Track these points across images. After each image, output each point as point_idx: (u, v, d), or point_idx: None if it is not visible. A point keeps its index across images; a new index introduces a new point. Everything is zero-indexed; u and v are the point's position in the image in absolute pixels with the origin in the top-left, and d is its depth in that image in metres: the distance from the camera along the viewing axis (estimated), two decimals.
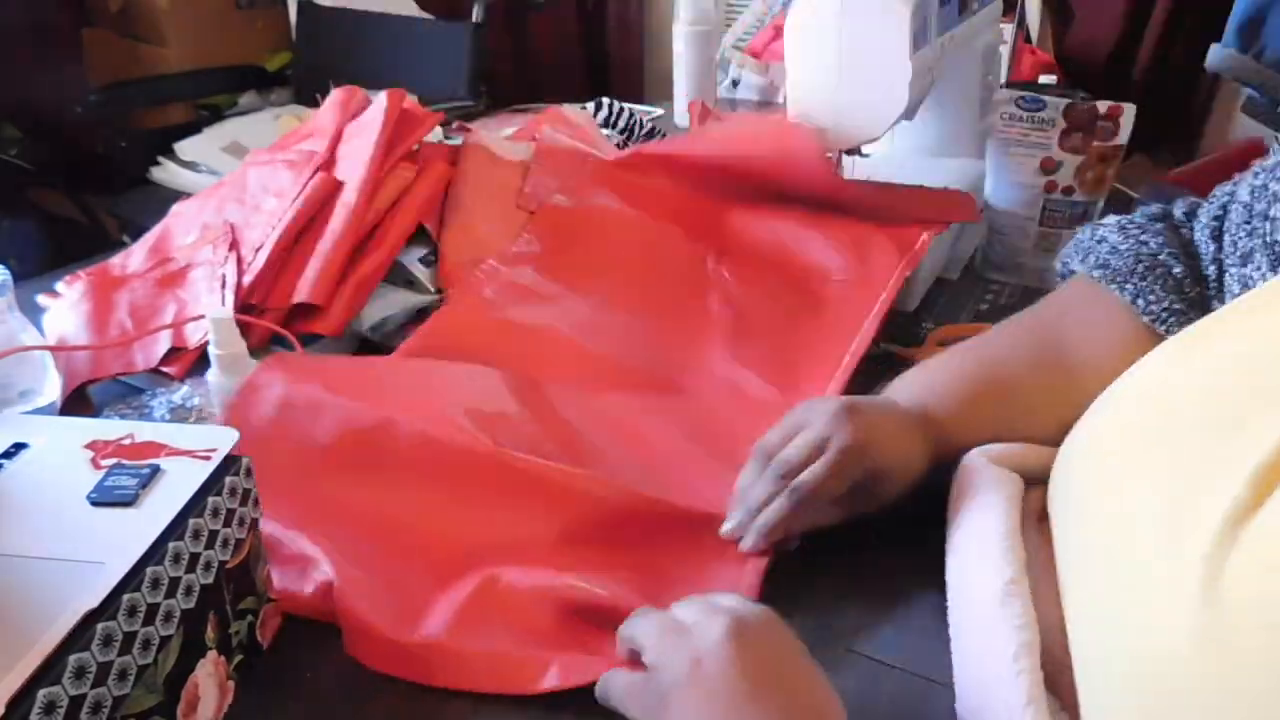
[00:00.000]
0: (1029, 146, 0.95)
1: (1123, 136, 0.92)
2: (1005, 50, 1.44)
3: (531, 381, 0.75)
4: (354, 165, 0.92)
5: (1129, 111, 0.91)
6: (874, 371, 0.77)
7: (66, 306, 0.89)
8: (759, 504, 0.60)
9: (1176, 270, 0.64)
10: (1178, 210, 0.70)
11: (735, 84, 1.76)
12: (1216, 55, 1.09)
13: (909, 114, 0.93)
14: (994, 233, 1.02)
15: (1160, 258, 0.65)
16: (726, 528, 0.61)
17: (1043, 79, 1.40)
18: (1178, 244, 0.66)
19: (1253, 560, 0.33)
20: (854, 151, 1.03)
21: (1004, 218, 1.00)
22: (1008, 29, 1.44)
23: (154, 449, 0.52)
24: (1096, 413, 0.51)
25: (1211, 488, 0.36)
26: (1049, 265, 0.99)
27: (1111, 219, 0.71)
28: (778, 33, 1.76)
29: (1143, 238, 0.67)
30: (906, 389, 0.66)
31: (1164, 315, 0.63)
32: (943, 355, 0.70)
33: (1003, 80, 1.42)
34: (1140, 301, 0.64)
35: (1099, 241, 0.69)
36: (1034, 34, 1.92)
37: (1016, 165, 0.96)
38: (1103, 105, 0.91)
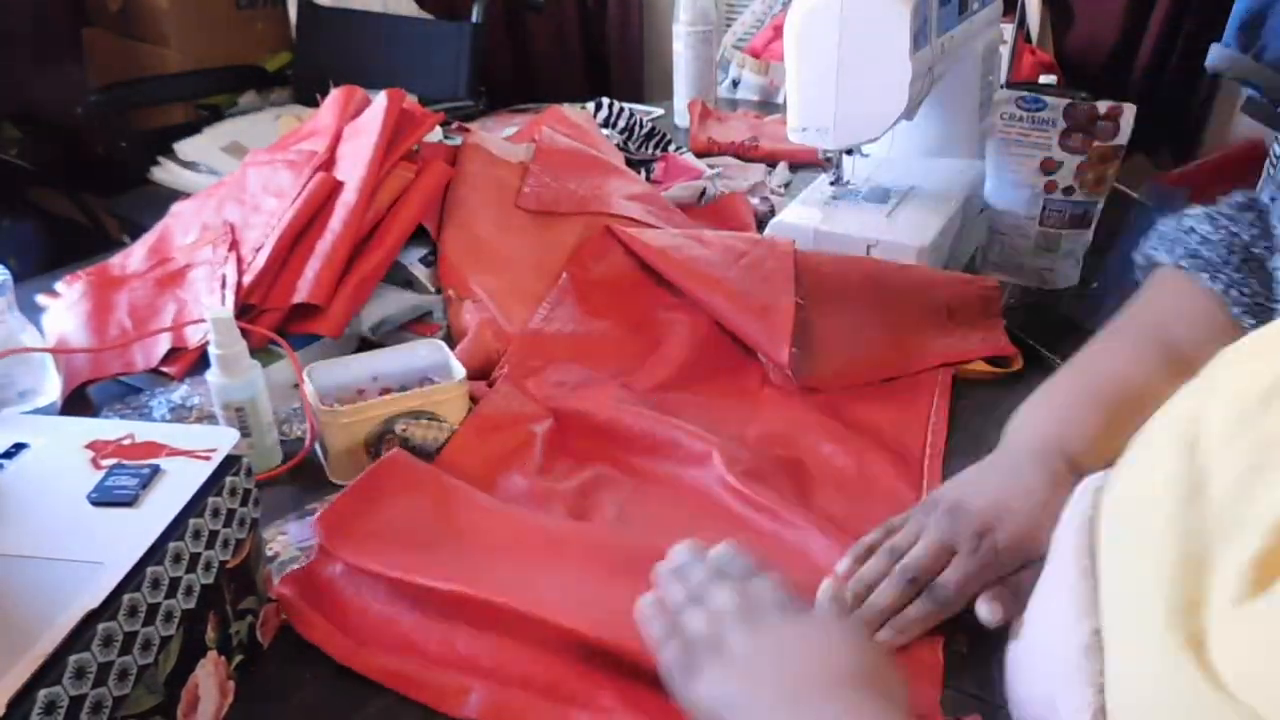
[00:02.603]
0: (1029, 146, 0.94)
1: (1123, 136, 0.92)
2: (1005, 50, 1.44)
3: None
4: (354, 165, 0.92)
5: (1129, 111, 0.91)
6: None
7: (66, 306, 0.89)
8: (888, 604, 0.58)
9: (1271, 264, 0.62)
10: (1264, 195, 0.67)
11: (735, 84, 1.76)
12: (1216, 55, 1.09)
13: (909, 114, 0.93)
14: (994, 233, 1.02)
15: (1254, 250, 0.63)
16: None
17: (1043, 79, 1.40)
18: (1267, 234, 0.64)
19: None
20: (854, 151, 1.04)
21: (1004, 218, 1.00)
22: (1008, 29, 1.44)
23: (154, 449, 0.52)
24: (1129, 463, 0.48)
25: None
26: (1049, 265, 0.99)
27: (1197, 209, 0.69)
28: (777, 32, 1.76)
29: (1234, 228, 0.65)
30: (1031, 428, 0.63)
31: (1255, 309, 0.61)
32: (1059, 381, 0.66)
33: (1003, 80, 1.42)
34: (1234, 292, 0.62)
35: (1187, 232, 0.66)
36: (1034, 34, 1.91)
37: (1016, 165, 0.96)
38: (1103, 105, 0.91)
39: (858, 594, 0.59)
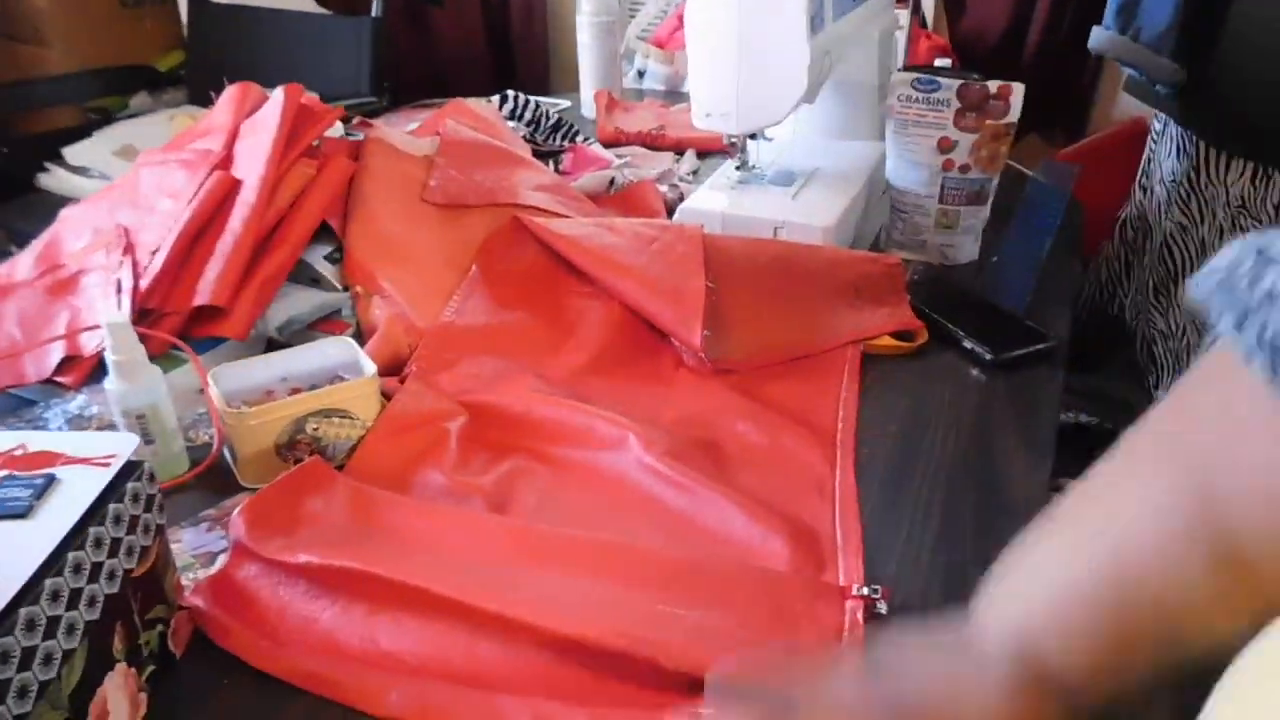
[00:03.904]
0: (926, 127, 0.97)
1: (1013, 114, 0.95)
2: (901, 36, 1.48)
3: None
4: (252, 163, 0.90)
5: (1018, 90, 0.94)
6: None
7: None
8: None
9: None
10: None
11: (641, 74, 1.77)
12: (1097, 37, 1.14)
13: (809, 97, 0.95)
14: (896, 212, 1.04)
15: None
16: None
17: (938, 63, 1.44)
18: None
19: None
20: (758, 136, 1.05)
21: (905, 197, 1.02)
22: (903, 15, 1.48)
23: (48, 458, 0.50)
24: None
25: None
26: (949, 241, 1.02)
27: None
28: (682, 22, 1.77)
29: None
30: (1000, 614, 0.43)
31: None
32: (1052, 545, 0.43)
33: (900, 65, 1.46)
34: None
35: (1271, 298, 0.33)
36: (929, 20, 1.97)
37: (915, 145, 0.99)
38: (993, 85, 0.94)
39: None
